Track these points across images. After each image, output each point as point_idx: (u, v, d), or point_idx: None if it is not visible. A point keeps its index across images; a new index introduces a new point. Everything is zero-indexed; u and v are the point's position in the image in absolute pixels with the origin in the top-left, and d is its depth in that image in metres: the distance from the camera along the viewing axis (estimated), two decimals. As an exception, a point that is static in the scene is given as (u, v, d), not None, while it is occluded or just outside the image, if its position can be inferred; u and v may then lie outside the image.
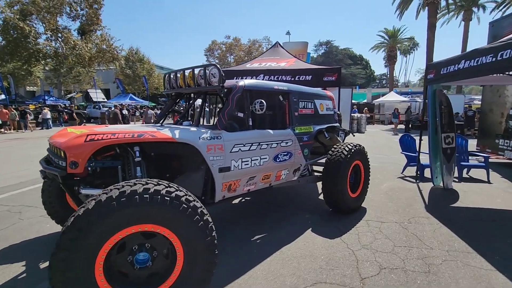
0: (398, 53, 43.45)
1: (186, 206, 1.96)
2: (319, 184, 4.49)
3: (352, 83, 47.39)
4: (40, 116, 18.58)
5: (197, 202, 2.07)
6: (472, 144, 7.59)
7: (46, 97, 24.85)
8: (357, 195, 4.21)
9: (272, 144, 3.29)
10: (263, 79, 6.28)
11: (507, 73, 4.89)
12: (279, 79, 6.31)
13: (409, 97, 26.59)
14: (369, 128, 19.63)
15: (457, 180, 5.99)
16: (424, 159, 6.09)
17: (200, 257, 2.03)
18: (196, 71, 3.09)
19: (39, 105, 23.10)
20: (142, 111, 24.20)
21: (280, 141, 3.40)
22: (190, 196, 2.05)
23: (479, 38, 28.79)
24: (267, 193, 4.67)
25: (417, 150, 6.16)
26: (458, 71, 4.46)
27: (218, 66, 3.00)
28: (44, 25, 23.04)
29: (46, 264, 2.72)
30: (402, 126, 19.06)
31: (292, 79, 6.33)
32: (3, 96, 21.08)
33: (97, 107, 25.24)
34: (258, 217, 4.04)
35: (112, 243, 1.77)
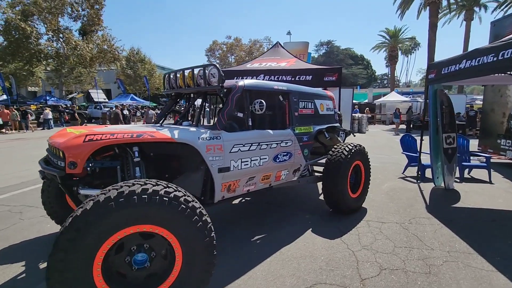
0: (399, 53, 43.35)
1: (184, 207, 1.95)
2: (319, 185, 4.48)
3: (353, 83, 47.31)
4: (41, 116, 18.65)
5: (196, 202, 2.06)
6: (473, 144, 7.56)
7: (48, 98, 24.94)
8: (357, 195, 4.20)
9: (271, 144, 3.28)
10: (263, 79, 6.27)
11: (508, 72, 4.87)
12: (280, 79, 6.29)
13: (410, 97, 26.56)
14: (371, 128, 19.60)
15: (458, 180, 5.96)
16: (425, 159, 6.06)
17: (199, 257, 2.02)
18: (196, 71, 3.09)
19: (41, 105, 23.17)
20: (143, 111, 24.22)
21: (280, 141, 3.39)
22: (189, 196, 2.04)
23: (480, 38, 28.58)
24: (267, 193, 4.65)
25: (418, 150, 6.14)
26: (459, 71, 4.44)
27: (218, 66, 2.99)
28: (45, 25, 23.11)
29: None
30: (403, 126, 19.02)
31: (293, 79, 6.31)
32: (4, 97, 21.20)
33: (98, 107, 25.30)
34: (258, 218, 4.03)
35: (110, 243, 1.77)
